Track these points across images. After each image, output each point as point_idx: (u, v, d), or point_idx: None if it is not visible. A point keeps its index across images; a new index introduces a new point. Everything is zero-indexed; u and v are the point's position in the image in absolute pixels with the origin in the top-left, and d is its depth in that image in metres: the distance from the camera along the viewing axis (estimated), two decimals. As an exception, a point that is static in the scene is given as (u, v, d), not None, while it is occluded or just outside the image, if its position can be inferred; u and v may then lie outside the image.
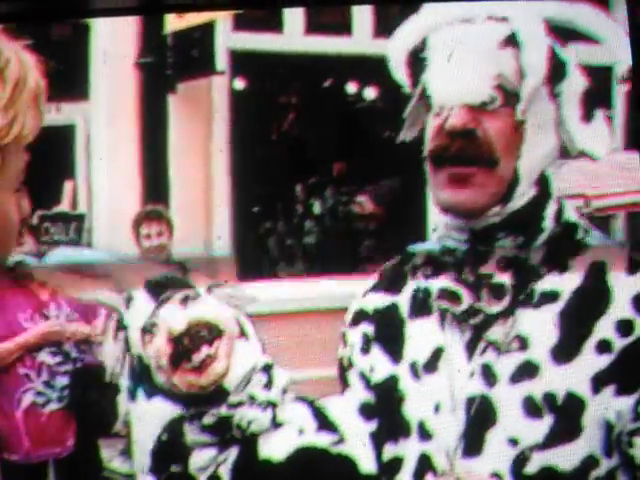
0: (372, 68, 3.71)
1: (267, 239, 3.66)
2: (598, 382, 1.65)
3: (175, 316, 1.68)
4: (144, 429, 3.27)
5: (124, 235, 3.19)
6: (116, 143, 3.31)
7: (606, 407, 1.64)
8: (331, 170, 3.73)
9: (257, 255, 3.66)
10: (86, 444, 2.99)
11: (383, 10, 3.63)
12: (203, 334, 1.68)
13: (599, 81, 1.72)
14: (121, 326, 1.73)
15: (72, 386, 2.96)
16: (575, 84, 1.72)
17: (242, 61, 3.53)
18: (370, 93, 3.80)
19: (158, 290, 1.70)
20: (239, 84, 3.57)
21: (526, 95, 1.68)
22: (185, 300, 1.70)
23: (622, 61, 1.71)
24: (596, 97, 1.72)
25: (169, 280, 1.72)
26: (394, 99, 3.97)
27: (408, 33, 1.78)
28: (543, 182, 1.73)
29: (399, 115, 3.98)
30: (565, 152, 1.75)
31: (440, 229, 1.78)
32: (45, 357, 2.99)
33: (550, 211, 1.73)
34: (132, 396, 3.29)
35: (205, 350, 1.68)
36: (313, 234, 3.64)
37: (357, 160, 3.77)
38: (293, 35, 3.56)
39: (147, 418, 3.26)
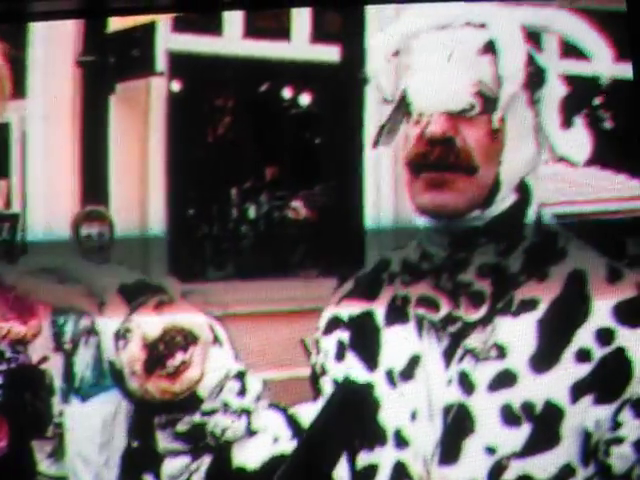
0: (308, 74, 3.67)
1: (202, 242, 3.58)
2: (577, 391, 1.63)
3: (149, 322, 1.60)
4: (78, 432, 3.16)
5: (60, 235, 3.07)
6: (53, 142, 3.18)
7: (584, 416, 1.62)
8: (265, 175, 3.67)
9: (191, 258, 3.58)
10: (19, 446, 2.87)
11: (321, 17, 3.59)
12: (178, 340, 1.61)
13: (582, 89, 1.70)
14: (94, 331, 1.64)
15: (6, 386, 2.84)
16: (554, 91, 1.70)
17: (180, 62, 3.45)
18: (305, 99, 3.76)
19: (132, 295, 1.62)
20: (176, 86, 3.48)
21: (503, 103, 1.66)
22: (160, 305, 1.62)
23: (601, 68, 1.70)
24: (576, 104, 1.70)
25: (143, 285, 1.64)
26: (328, 106, 3.93)
27: (388, 39, 1.73)
28: (523, 189, 1.71)
29: (333, 122, 3.94)
30: (546, 158, 1.73)
31: (420, 233, 1.74)
32: (-23, 357, 2.87)
33: (530, 218, 1.71)
34: (65, 398, 3.18)
35: (180, 356, 1.61)
36: (248, 238, 3.58)
37: (291, 165, 3.72)
38: (232, 38, 3.49)
39: (82, 421, 3.15)
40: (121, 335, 1.60)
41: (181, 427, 1.66)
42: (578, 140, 1.70)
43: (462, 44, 1.67)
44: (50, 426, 3.06)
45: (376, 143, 1.75)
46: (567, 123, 1.69)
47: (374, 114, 3.69)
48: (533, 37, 1.72)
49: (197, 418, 1.65)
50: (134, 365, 1.59)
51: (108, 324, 1.62)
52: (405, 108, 1.70)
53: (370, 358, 1.73)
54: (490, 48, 1.67)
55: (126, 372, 1.60)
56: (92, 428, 3.05)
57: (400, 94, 1.70)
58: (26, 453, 2.91)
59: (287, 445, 1.71)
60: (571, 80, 1.71)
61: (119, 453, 3.29)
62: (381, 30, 1.75)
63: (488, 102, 1.65)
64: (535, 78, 1.68)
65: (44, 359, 3.01)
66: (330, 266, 3.72)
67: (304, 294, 3.48)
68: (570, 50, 1.71)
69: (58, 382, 3.08)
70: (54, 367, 3.07)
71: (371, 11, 3.20)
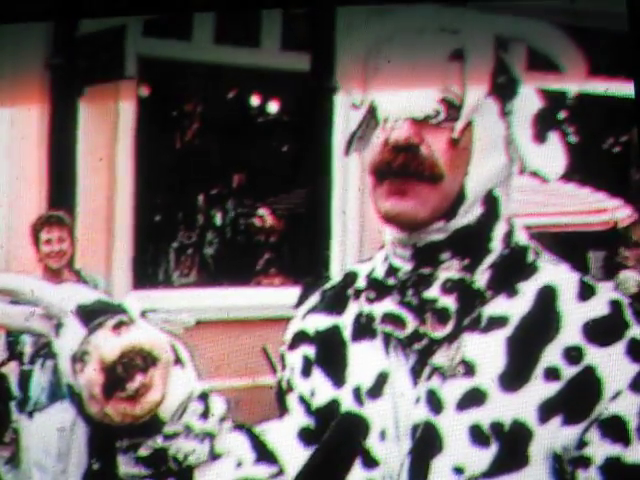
0: (276, 82, 3.58)
1: (167, 248, 3.49)
2: (546, 411, 1.54)
3: (107, 343, 1.49)
4: (33, 441, 3.04)
5: (24, 241, 2.97)
6: (19, 145, 3.07)
7: (554, 438, 1.53)
8: (232, 182, 3.59)
9: (155, 264, 3.48)
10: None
11: (291, 24, 3.50)
12: (137, 362, 1.50)
13: (555, 103, 1.61)
14: (50, 354, 1.53)
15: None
16: (527, 103, 1.60)
17: (149, 67, 3.36)
18: (273, 107, 3.68)
19: (90, 316, 1.51)
20: (145, 90, 3.39)
21: (466, 112, 1.55)
22: (118, 326, 1.51)
23: (574, 81, 1.60)
24: (549, 118, 1.61)
25: (102, 305, 1.53)
26: (295, 114, 3.85)
27: (360, 42, 1.62)
28: (491, 202, 1.60)
29: (301, 130, 3.85)
30: (517, 171, 1.63)
31: (387, 246, 1.65)
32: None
33: (498, 232, 1.60)
34: (20, 407, 3.06)
35: (139, 378, 1.50)
36: (213, 245, 3.49)
37: (257, 173, 3.65)
38: (202, 44, 3.40)
39: (37, 430, 3.03)
40: (78, 358, 1.49)
41: (142, 452, 1.55)
42: (551, 155, 1.60)
43: (432, 49, 1.58)
44: (8, 431, 2.95)
45: (347, 150, 1.64)
46: (540, 137, 1.59)
47: (342, 122, 3.59)
48: (506, 47, 1.62)
49: (159, 442, 1.55)
50: (92, 389, 1.48)
51: (65, 346, 1.51)
52: (372, 113, 1.60)
53: (337, 374, 1.64)
54: (459, 55, 1.57)
55: (84, 396, 1.50)
56: (47, 437, 2.94)
57: (369, 99, 1.60)
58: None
59: (250, 469, 1.61)
60: (544, 94, 1.61)
61: (77, 463, 3.19)
62: (353, 34, 1.64)
63: (453, 109, 1.56)
64: (507, 89, 1.59)
65: (2, 362, 2.90)
66: (294, 274, 3.64)
67: (267, 302, 3.39)
68: (543, 63, 1.61)
69: (15, 388, 2.98)
70: (11, 373, 2.97)
71: (342, 20, 3.12)
